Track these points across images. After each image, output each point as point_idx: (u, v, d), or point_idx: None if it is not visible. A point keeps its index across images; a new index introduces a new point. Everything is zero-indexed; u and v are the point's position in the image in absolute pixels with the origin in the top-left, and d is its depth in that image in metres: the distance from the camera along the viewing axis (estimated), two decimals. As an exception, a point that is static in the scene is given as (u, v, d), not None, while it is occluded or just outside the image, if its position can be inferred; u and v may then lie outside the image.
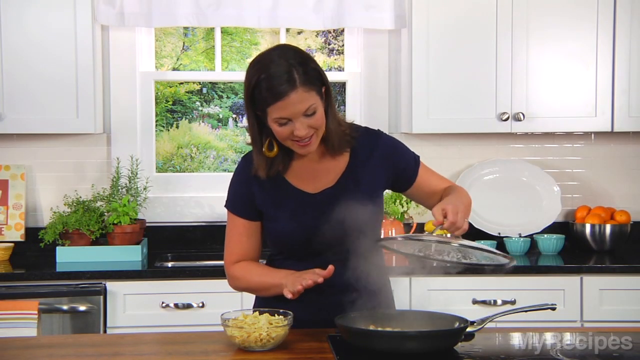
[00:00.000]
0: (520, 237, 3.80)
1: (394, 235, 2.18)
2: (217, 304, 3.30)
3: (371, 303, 2.18)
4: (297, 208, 2.21)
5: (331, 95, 2.20)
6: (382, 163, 2.26)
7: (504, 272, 2.11)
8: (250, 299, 3.33)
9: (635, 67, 3.70)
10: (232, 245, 2.29)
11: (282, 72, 2.05)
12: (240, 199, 2.27)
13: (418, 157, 2.33)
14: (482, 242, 3.77)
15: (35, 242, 3.65)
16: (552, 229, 3.88)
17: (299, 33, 4.19)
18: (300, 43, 4.21)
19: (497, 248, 3.76)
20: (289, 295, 2.07)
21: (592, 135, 4.05)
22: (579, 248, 3.87)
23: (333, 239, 2.19)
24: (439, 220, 2.02)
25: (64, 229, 3.59)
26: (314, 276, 2.07)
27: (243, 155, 2.32)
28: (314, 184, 2.24)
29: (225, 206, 2.31)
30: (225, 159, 4.18)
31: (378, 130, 2.33)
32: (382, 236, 2.33)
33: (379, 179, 2.26)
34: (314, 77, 2.10)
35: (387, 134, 2.34)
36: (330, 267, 2.07)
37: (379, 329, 2.01)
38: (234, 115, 4.23)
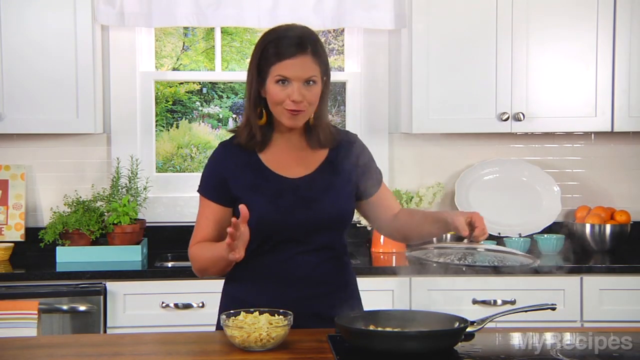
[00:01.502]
0: (520, 237, 3.80)
1: (424, 246, 2.23)
2: (217, 304, 3.28)
3: (340, 297, 2.23)
4: (276, 192, 2.21)
5: (329, 89, 2.25)
6: (355, 165, 2.29)
7: (528, 271, 2.08)
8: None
9: (635, 67, 3.70)
10: (199, 229, 2.27)
11: (297, 36, 2.15)
12: (213, 183, 2.26)
13: (381, 173, 2.38)
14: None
15: (35, 242, 3.65)
16: (552, 229, 3.88)
17: (299, 33, 4.19)
18: (300, 43, 4.21)
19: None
20: (233, 257, 2.04)
21: (592, 135, 4.05)
22: (579, 248, 3.86)
23: (310, 225, 2.20)
24: (466, 231, 2.08)
25: (64, 229, 3.60)
26: (235, 226, 2.00)
27: (220, 142, 2.33)
28: (294, 170, 2.25)
29: (197, 191, 2.31)
30: (225, 159, 4.18)
31: (355, 134, 2.37)
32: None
33: (352, 178, 2.28)
34: (322, 56, 2.18)
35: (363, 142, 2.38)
36: (243, 207, 2.01)
37: (379, 329, 2.01)
38: (234, 115, 4.23)
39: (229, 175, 2.25)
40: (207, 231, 2.26)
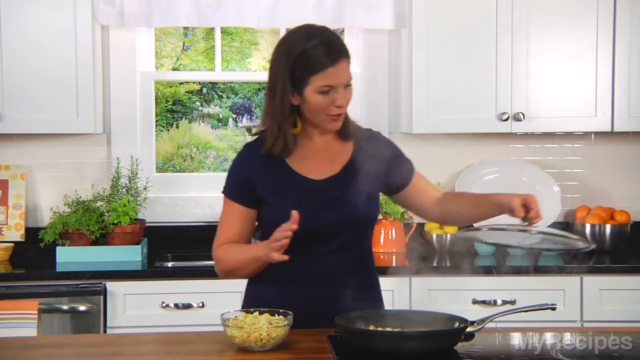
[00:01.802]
0: (520, 237, 3.80)
1: (478, 225, 2.25)
2: (217, 304, 3.30)
3: (363, 298, 2.21)
4: (300, 194, 2.21)
5: None
6: (381, 161, 2.28)
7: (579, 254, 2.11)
8: (250, 299, 3.34)
9: (635, 67, 3.70)
10: (223, 230, 2.28)
11: (331, 41, 2.14)
12: (239, 185, 2.26)
13: (413, 164, 2.37)
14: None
15: (35, 242, 3.65)
16: (552, 229, 3.87)
17: (299, 33, 4.19)
18: (300, 43, 4.21)
19: (497, 248, 3.77)
20: (280, 259, 2.05)
21: (592, 135, 4.05)
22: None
23: (334, 227, 2.19)
24: (522, 213, 2.07)
25: (64, 229, 3.59)
26: (287, 230, 2.03)
27: (245, 143, 2.32)
28: (318, 171, 2.24)
29: (222, 192, 2.30)
30: (225, 159, 4.18)
31: (378, 131, 2.38)
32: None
33: (378, 176, 2.27)
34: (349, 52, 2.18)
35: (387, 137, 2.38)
36: (295, 212, 2.04)
37: (379, 329, 2.01)
38: (234, 115, 4.23)
39: (255, 177, 2.23)
40: (231, 232, 2.26)
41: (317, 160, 2.25)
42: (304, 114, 2.20)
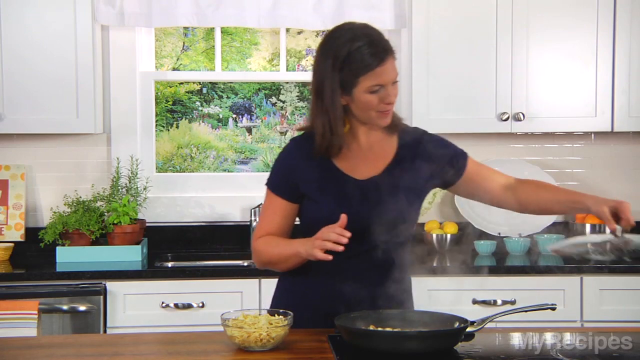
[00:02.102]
0: (520, 237, 3.80)
1: (565, 241, 2.22)
2: (217, 304, 3.30)
3: (394, 301, 2.20)
4: (342, 193, 2.21)
5: None
6: (427, 158, 2.27)
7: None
8: (249, 299, 3.35)
9: (635, 67, 3.70)
10: (264, 222, 2.29)
11: (377, 41, 2.13)
12: (283, 179, 2.27)
13: (465, 152, 2.35)
14: (481, 242, 3.77)
15: (35, 242, 3.65)
16: (552, 228, 3.88)
17: (299, 33, 4.19)
18: (300, 43, 4.21)
19: (496, 248, 3.77)
20: (320, 256, 2.06)
21: (592, 135, 4.05)
22: (579, 248, 3.86)
23: (371, 227, 2.19)
24: (613, 225, 2.05)
25: (64, 229, 3.59)
26: (340, 235, 2.04)
27: (292, 138, 2.33)
28: (362, 170, 2.24)
29: (265, 184, 2.30)
30: (225, 159, 4.18)
31: (423, 130, 2.36)
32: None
33: (423, 174, 2.27)
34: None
35: (430, 133, 2.36)
36: (343, 216, 2.06)
37: (379, 329, 2.01)
38: (234, 115, 4.23)
39: (299, 172, 2.24)
40: (272, 225, 2.27)
41: (360, 159, 2.25)
42: (351, 113, 2.21)
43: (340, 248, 2.04)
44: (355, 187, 2.22)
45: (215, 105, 4.24)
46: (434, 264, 3.56)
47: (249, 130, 4.23)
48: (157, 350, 2.14)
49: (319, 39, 4.26)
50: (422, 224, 3.90)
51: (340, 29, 2.19)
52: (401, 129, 2.30)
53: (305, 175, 2.24)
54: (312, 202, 2.24)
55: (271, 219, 2.28)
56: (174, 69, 4.20)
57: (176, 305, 3.35)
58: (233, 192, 3.99)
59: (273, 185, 2.29)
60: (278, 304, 2.29)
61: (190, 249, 3.91)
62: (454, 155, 2.32)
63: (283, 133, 4.23)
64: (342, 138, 2.20)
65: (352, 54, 2.11)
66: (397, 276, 2.27)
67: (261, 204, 3.83)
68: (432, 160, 2.28)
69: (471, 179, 2.32)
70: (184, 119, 4.21)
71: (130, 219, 3.65)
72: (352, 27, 2.18)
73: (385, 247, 2.22)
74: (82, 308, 3.26)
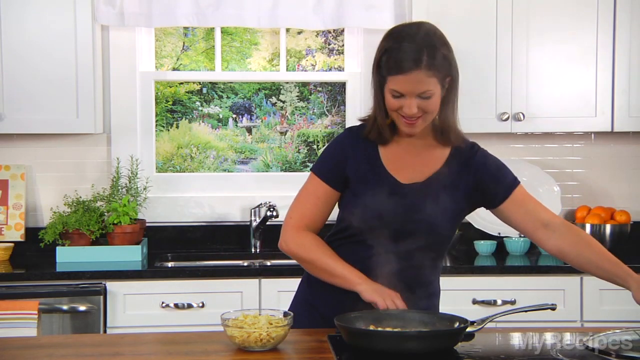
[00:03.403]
0: (520, 237, 3.80)
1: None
2: (217, 304, 3.30)
3: (418, 307, 2.18)
4: (383, 191, 2.20)
5: (456, 87, 2.25)
6: (474, 174, 2.24)
7: None
8: (249, 299, 3.34)
9: (635, 67, 3.69)
10: (306, 207, 2.26)
11: (412, 49, 2.09)
12: (331, 164, 2.26)
13: (518, 181, 2.29)
14: (481, 242, 3.77)
15: (35, 242, 3.65)
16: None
17: (299, 33, 4.19)
18: (300, 43, 4.21)
19: (496, 248, 3.77)
20: (382, 305, 2.09)
21: (592, 135, 4.05)
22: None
23: (405, 233, 2.19)
24: None
25: (64, 229, 3.59)
26: (393, 303, 2.10)
27: (347, 127, 2.35)
28: (406, 174, 2.23)
29: (311, 169, 2.29)
30: (225, 159, 4.18)
31: (478, 146, 2.33)
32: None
33: (465, 189, 2.24)
34: (441, 64, 2.13)
35: (485, 150, 2.33)
36: (402, 305, 2.11)
37: (379, 329, 2.01)
38: (234, 115, 4.23)
39: (349, 161, 2.24)
40: (312, 210, 2.25)
41: (407, 161, 2.24)
42: None
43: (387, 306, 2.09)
44: (396, 189, 2.21)
45: (215, 105, 4.24)
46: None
47: (249, 130, 4.23)
48: (157, 350, 2.14)
49: (319, 39, 4.27)
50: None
51: (403, 24, 2.22)
52: (457, 144, 2.27)
53: (354, 162, 2.23)
54: (352, 191, 2.22)
55: (312, 203, 2.25)
56: (174, 69, 4.20)
57: (176, 305, 3.35)
58: (233, 192, 4.00)
59: (320, 170, 2.27)
60: (302, 300, 2.32)
61: (190, 249, 3.91)
62: (503, 179, 2.26)
63: (283, 133, 4.23)
64: (384, 127, 2.21)
65: (389, 52, 2.12)
66: (424, 282, 2.26)
67: (261, 204, 3.89)
68: (478, 177, 2.25)
69: (511, 206, 2.26)
70: (184, 119, 4.21)
71: (130, 219, 3.65)
72: (410, 27, 2.17)
73: (417, 254, 2.21)
74: (82, 308, 3.26)
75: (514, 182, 2.27)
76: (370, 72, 2.22)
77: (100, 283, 3.31)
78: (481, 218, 3.88)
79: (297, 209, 2.27)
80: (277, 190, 3.98)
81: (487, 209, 2.32)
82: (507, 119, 3.69)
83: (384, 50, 2.14)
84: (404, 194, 2.21)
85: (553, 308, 2.11)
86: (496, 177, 2.26)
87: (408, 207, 2.20)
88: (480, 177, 2.25)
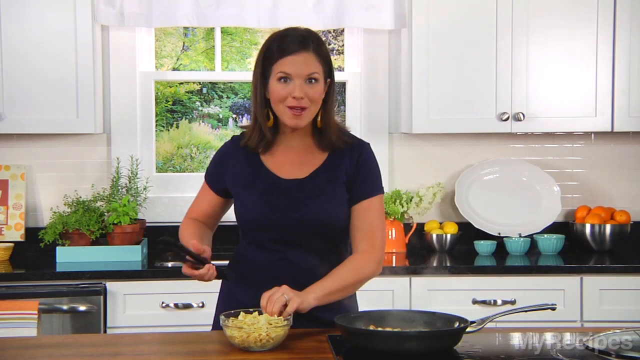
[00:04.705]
0: (520, 237, 3.80)
1: None
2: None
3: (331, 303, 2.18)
4: (267, 190, 2.26)
5: (334, 90, 2.31)
6: (348, 172, 2.27)
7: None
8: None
9: (635, 67, 3.69)
10: (194, 205, 2.44)
11: (299, 35, 2.20)
12: (213, 173, 2.39)
13: (382, 191, 2.31)
14: (481, 242, 3.77)
15: (35, 242, 3.65)
16: (552, 229, 3.88)
17: (299, 33, 4.19)
18: (300, 43, 4.21)
19: (496, 248, 3.77)
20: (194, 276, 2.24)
21: (592, 135, 4.05)
22: (579, 248, 3.86)
23: (297, 229, 2.22)
24: None
25: (64, 229, 3.59)
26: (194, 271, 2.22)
27: (233, 135, 2.42)
28: (287, 170, 2.28)
29: (204, 175, 2.43)
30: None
31: (367, 143, 2.33)
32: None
33: (343, 184, 2.26)
34: (325, 56, 2.24)
35: (372, 152, 2.33)
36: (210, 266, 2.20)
37: (379, 329, 2.01)
38: (234, 115, 4.23)
39: (228, 168, 2.33)
40: (199, 210, 2.43)
41: (289, 160, 2.29)
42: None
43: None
44: (280, 186, 2.25)
45: (215, 105, 4.24)
46: (434, 264, 3.55)
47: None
48: (157, 350, 2.14)
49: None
50: (422, 224, 3.90)
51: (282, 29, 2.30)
52: (337, 146, 2.27)
53: (233, 170, 2.32)
54: (236, 197, 2.31)
55: (199, 203, 2.42)
56: (174, 69, 4.20)
57: (176, 305, 3.35)
58: (233, 192, 3.99)
59: (207, 175, 2.41)
60: (221, 307, 2.36)
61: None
62: (371, 182, 2.28)
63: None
64: (266, 130, 2.25)
65: (274, 42, 2.21)
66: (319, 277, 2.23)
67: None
68: (356, 169, 2.26)
69: (355, 214, 2.26)
70: (184, 119, 4.21)
71: (130, 219, 3.65)
72: (288, 28, 2.27)
73: (316, 248, 2.24)
74: (82, 308, 3.26)
75: (377, 192, 2.28)
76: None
77: (100, 283, 3.31)
78: (481, 218, 3.88)
79: (191, 206, 2.46)
80: (277, 190, 3.98)
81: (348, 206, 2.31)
82: (507, 119, 3.69)
83: (269, 45, 2.22)
84: (288, 189, 2.25)
85: (553, 308, 2.11)
86: (366, 178, 2.29)
87: (294, 202, 2.23)
88: (358, 170, 2.28)
